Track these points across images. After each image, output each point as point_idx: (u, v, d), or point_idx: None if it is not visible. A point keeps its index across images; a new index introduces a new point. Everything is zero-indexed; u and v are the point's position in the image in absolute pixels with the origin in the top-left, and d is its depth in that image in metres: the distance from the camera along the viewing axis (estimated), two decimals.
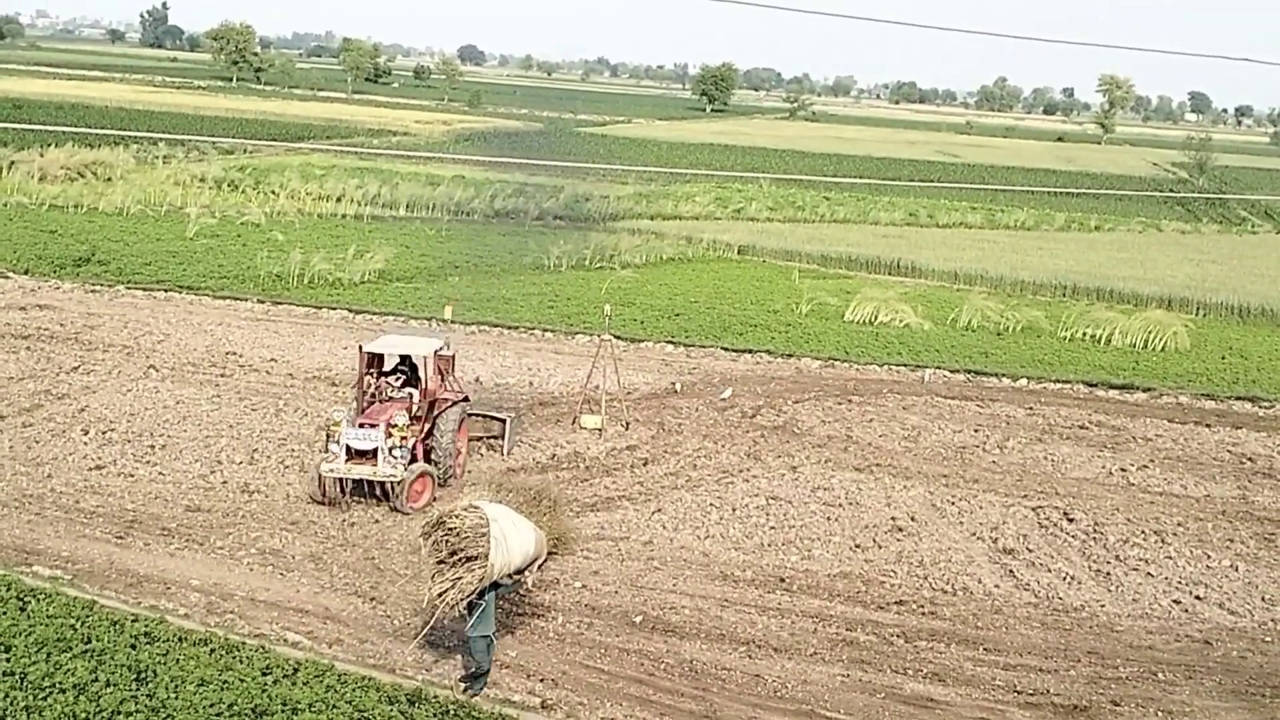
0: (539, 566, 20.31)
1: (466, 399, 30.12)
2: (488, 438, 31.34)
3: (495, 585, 19.17)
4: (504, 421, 31.12)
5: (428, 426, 28.37)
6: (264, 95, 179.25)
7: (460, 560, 18.74)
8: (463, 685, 19.06)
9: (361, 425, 26.83)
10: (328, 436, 27.11)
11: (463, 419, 29.06)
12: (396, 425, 26.82)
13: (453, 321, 32.54)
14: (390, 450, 26.69)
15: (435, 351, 28.99)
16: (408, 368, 29.28)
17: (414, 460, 27.41)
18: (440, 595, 18.72)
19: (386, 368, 29.24)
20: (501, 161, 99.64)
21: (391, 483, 26.80)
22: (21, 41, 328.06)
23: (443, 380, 29.49)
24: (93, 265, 50.28)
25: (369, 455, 26.70)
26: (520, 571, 19.66)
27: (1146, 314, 52.26)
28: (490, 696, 18.77)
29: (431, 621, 19.34)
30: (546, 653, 20.99)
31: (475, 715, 17.73)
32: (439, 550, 18.92)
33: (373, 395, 28.45)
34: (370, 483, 27.15)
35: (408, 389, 28.71)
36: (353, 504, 26.90)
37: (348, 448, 26.68)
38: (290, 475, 28.47)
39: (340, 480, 26.81)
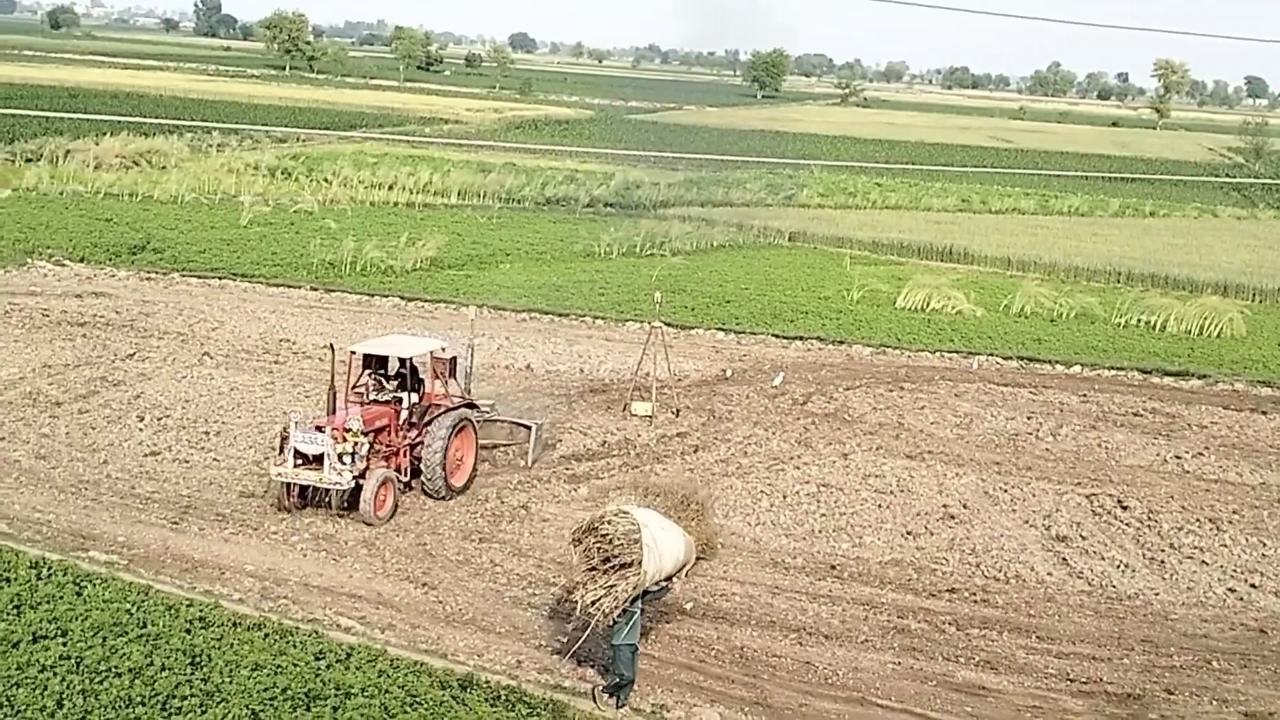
0: (686, 573, 19.76)
1: (472, 405, 28.45)
2: (511, 445, 29.61)
3: (645, 592, 18.63)
4: (529, 429, 29.43)
5: (416, 434, 26.84)
6: (316, 84, 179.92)
7: (614, 567, 18.16)
8: (606, 695, 18.53)
9: (317, 429, 25.18)
10: (281, 439, 25.65)
11: (462, 426, 27.16)
12: (350, 430, 25.08)
13: (476, 321, 31.20)
14: (339, 456, 24.84)
15: (430, 354, 27.59)
16: (408, 370, 27.42)
17: (367, 469, 25.39)
18: (594, 603, 18.11)
19: (391, 370, 27.64)
20: (553, 149, 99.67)
21: (337, 490, 25.13)
22: (77, 31, 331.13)
23: (443, 385, 27.88)
24: (148, 253, 50.71)
25: (319, 460, 25.02)
26: (669, 578, 19.09)
27: (1202, 300, 51.81)
28: (542, 683, 18.83)
29: (588, 633, 18.84)
30: (597, 640, 21.02)
31: (527, 701, 17.78)
32: (590, 557, 18.34)
33: (359, 398, 26.83)
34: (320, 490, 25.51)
35: (401, 393, 27.07)
36: (299, 511, 25.48)
37: (296, 451, 25.11)
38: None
39: (288, 485, 25.34)
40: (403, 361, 27.30)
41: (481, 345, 39.14)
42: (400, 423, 26.70)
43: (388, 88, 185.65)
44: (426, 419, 26.98)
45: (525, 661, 19.87)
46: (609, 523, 18.37)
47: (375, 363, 27.53)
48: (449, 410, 27.21)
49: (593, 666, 19.95)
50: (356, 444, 25.03)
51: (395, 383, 27.28)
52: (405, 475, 26.62)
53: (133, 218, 58.78)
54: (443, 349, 28.00)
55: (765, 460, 30.52)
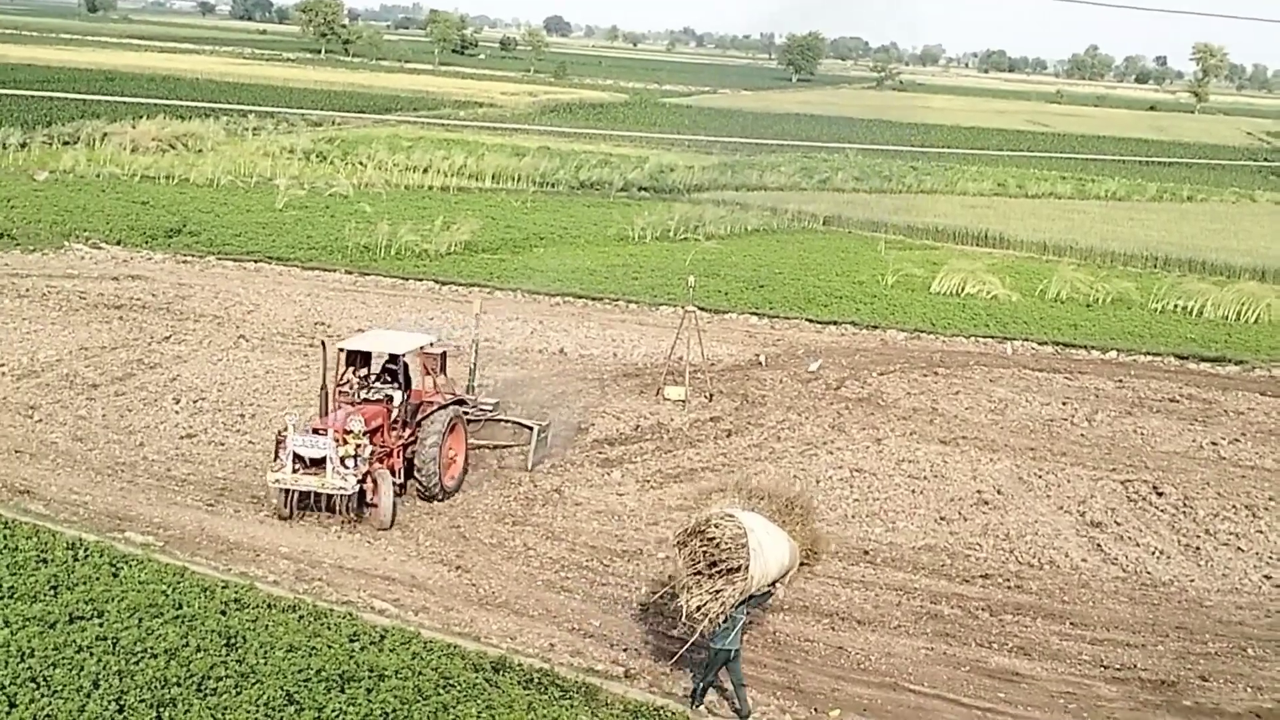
0: (790, 578, 19.17)
1: (462, 402, 27.59)
2: (514, 446, 28.51)
3: (749, 597, 18.16)
4: (531, 430, 28.21)
5: (409, 433, 25.76)
6: (352, 67, 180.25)
7: (720, 572, 17.66)
8: (694, 700, 18.30)
9: (314, 431, 24.16)
10: (277, 444, 24.48)
11: (455, 424, 26.27)
12: (351, 432, 24.12)
13: (481, 314, 30.00)
14: (342, 460, 23.85)
15: (420, 349, 26.58)
16: (398, 367, 26.40)
17: (366, 471, 24.34)
18: (700, 609, 17.61)
19: (375, 368, 26.75)
20: (587, 133, 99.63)
21: (341, 496, 24.17)
22: (114, 14, 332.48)
23: (433, 382, 26.83)
24: (184, 236, 50.93)
25: (320, 465, 23.93)
26: (773, 583, 18.53)
27: (1239, 286, 51.51)
28: (574, 665, 18.88)
29: (693, 639, 18.32)
30: (630, 623, 21.07)
31: (560, 684, 17.84)
32: (695, 560, 17.82)
33: (347, 397, 25.76)
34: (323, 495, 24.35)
35: (388, 391, 26.04)
36: (302, 518, 24.49)
37: (295, 456, 23.99)
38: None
39: (287, 492, 24.26)
40: (394, 358, 26.46)
41: (514, 329, 39.33)
42: (392, 421, 25.67)
43: (423, 71, 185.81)
44: (417, 418, 25.93)
45: (558, 644, 19.92)
46: (715, 526, 17.80)
47: (361, 359, 26.67)
48: (441, 408, 26.10)
49: (625, 650, 20.00)
50: (359, 446, 24.12)
51: (385, 380, 26.46)
52: (399, 476, 25.39)
53: (169, 201, 59.03)
54: (431, 344, 27.51)
55: (799, 445, 30.48)
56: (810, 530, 19.94)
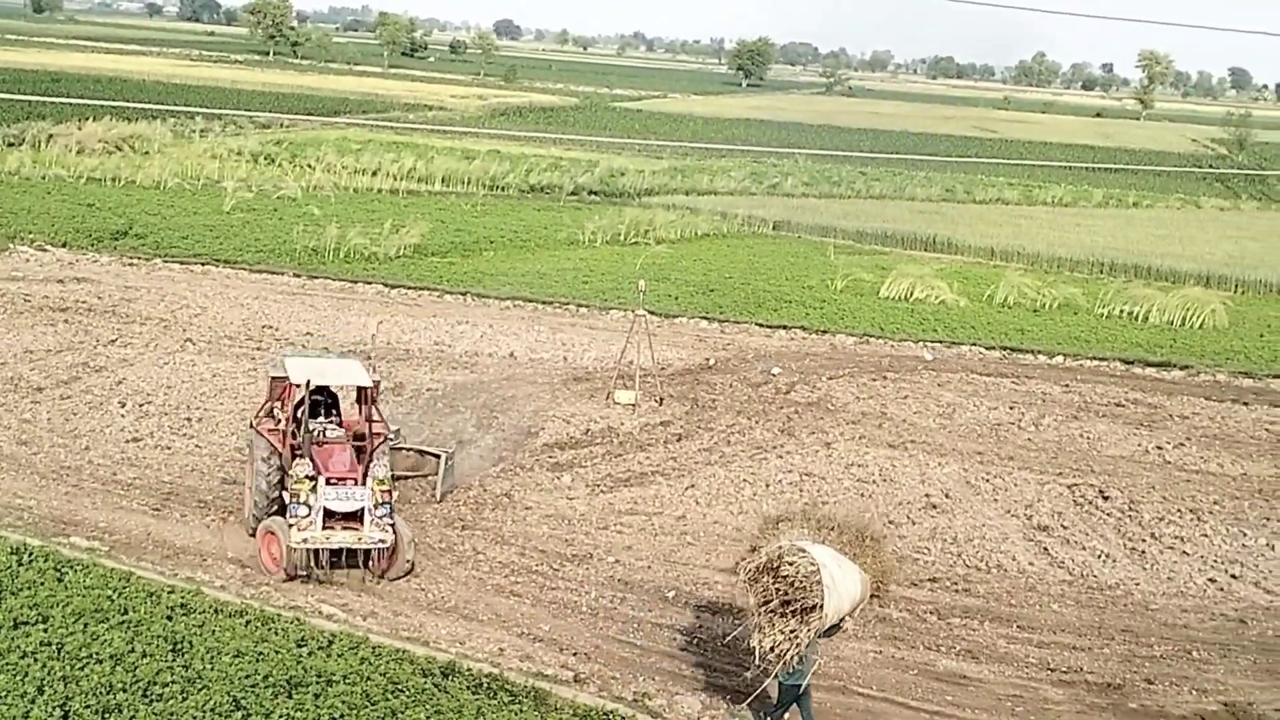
0: (859, 612, 18.22)
1: (398, 433, 26.41)
2: (417, 477, 26.86)
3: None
4: (439, 458, 26.52)
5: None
6: (300, 70, 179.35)
7: (794, 611, 17.02)
8: None
9: (340, 481, 22.19)
10: (290, 496, 22.21)
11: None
12: (380, 479, 22.40)
13: (376, 335, 28.15)
14: (374, 509, 22.13)
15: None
16: (324, 398, 24.29)
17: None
18: (773, 649, 17.05)
19: (345, 403, 24.85)
20: (537, 136, 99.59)
21: (379, 550, 22.20)
22: (60, 15, 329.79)
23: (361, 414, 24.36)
24: (130, 238, 50.50)
25: (350, 518, 22.07)
26: (842, 617, 17.77)
27: (1184, 291, 51.96)
28: (523, 670, 18.83)
29: (767, 682, 17.79)
30: (580, 627, 21.05)
31: (509, 689, 17.79)
32: (767, 598, 17.19)
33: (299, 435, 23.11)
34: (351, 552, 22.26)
35: (325, 424, 23.87)
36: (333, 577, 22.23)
37: (326, 511, 21.99)
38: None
39: (315, 552, 21.96)
40: (362, 391, 23.99)
41: (464, 333, 39.25)
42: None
43: (372, 74, 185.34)
44: (368, 455, 23.30)
45: (507, 649, 19.87)
46: (789, 563, 17.10)
47: (327, 394, 24.47)
48: (384, 440, 23.72)
49: (575, 654, 19.98)
50: (385, 493, 22.36)
51: (325, 415, 24.38)
52: None
53: (115, 203, 58.55)
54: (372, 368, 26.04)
55: (748, 449, 30.54)
56: (880, 562, 18.81)
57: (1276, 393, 39.46)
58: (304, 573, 21.82)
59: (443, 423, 30.56)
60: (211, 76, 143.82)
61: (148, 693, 16.48)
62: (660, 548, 24.60)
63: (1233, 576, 24.96)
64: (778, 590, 17.10)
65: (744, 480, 28.27)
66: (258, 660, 17.60)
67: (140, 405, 30.65)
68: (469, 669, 18.32)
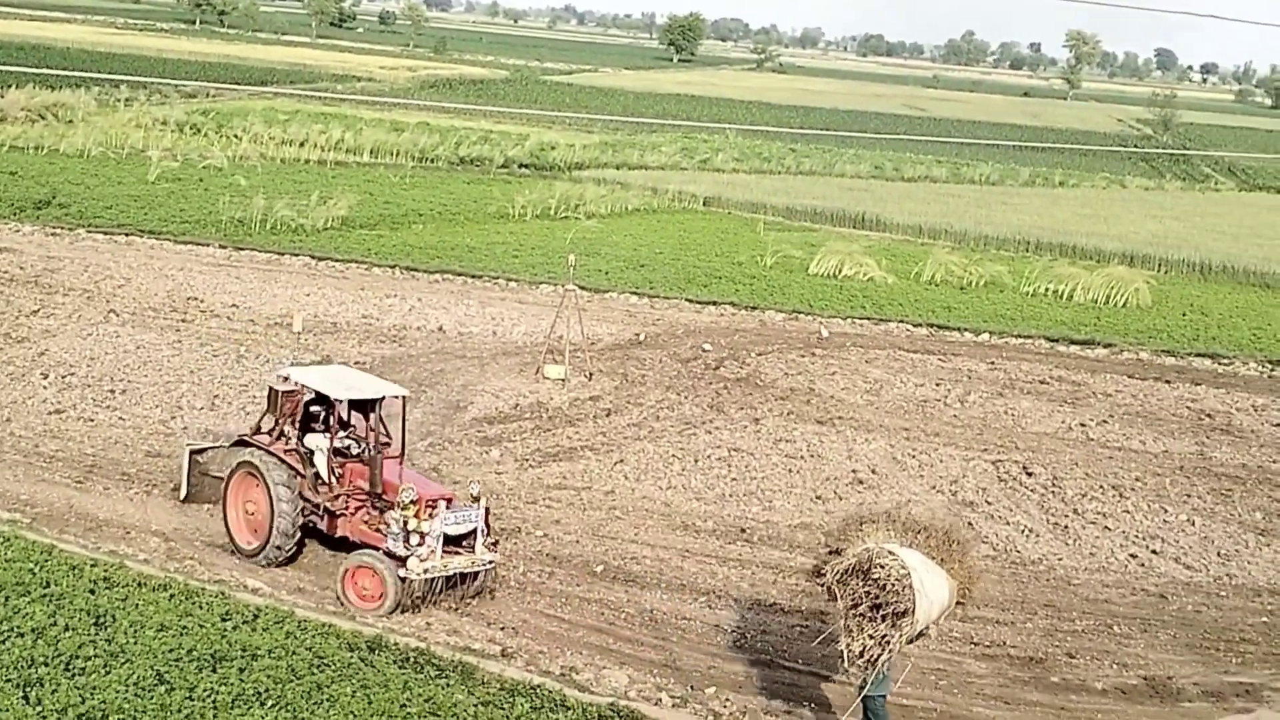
0: (945, 618, 17.66)
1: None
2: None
3: None
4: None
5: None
6: (227, 39, 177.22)
7: (884, 616, 16.47)
8: None
9: (445, 503, 20.73)
10: (399, 526, 20.31)
11: None
12: (476, 498, 21.09)
13: (302, 334, 27.11)
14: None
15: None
16: (322, 410, 22.45)
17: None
18: (863, 654, 16.53)
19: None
20: (467, 109, 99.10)
21: (487, 571, 21.04)
22: None
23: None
24: (53, 208, 49.74)
25: (459, 541, 20.72)
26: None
27: (1109, 270, 52.50)
28: (450, 644, 18.79)
29: (863, 693, 17.11)
30: (507, 601, 21.04)
31: (436, 664, 17.73)
32: (856, 602, 16.59)
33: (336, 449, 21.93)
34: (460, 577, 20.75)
35: (346, 439, 22.32)
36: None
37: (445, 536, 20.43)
38: (249, 421, 28.29)
39: (430, 581, 20.33)
40: (324, 399, 22.34)
41: (392, 306, 39.06)
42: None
43: (300, 44, 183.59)
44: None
45: (434, 624, 19.82)
46: (879, 566, 16.46)
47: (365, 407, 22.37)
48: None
49: (502, 629, 19.96)
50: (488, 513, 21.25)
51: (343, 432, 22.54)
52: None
53: (38, 172, 57.67)
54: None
55: (677, 424, 30.60)
56: (966, 568, 18.15)
57: (1198, 371, 40.02)
58: (417, 604, 20.29)
59: None
60: (137, 44, 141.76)
61: (70, 666, 16.28)
62: (589, 522, 24.62)
63: (1153, 552, 25.31)
64: (868, 593, 16.52)
65: (673, 456, 28.32)
66: (182, 634, 17.44)
67: (63, 377, 30.26)
68: (395, 643, 18.25)
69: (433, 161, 75.78)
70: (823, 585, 17.23)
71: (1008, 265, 53.56)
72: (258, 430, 22.94)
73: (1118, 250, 59.82)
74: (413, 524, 20.19)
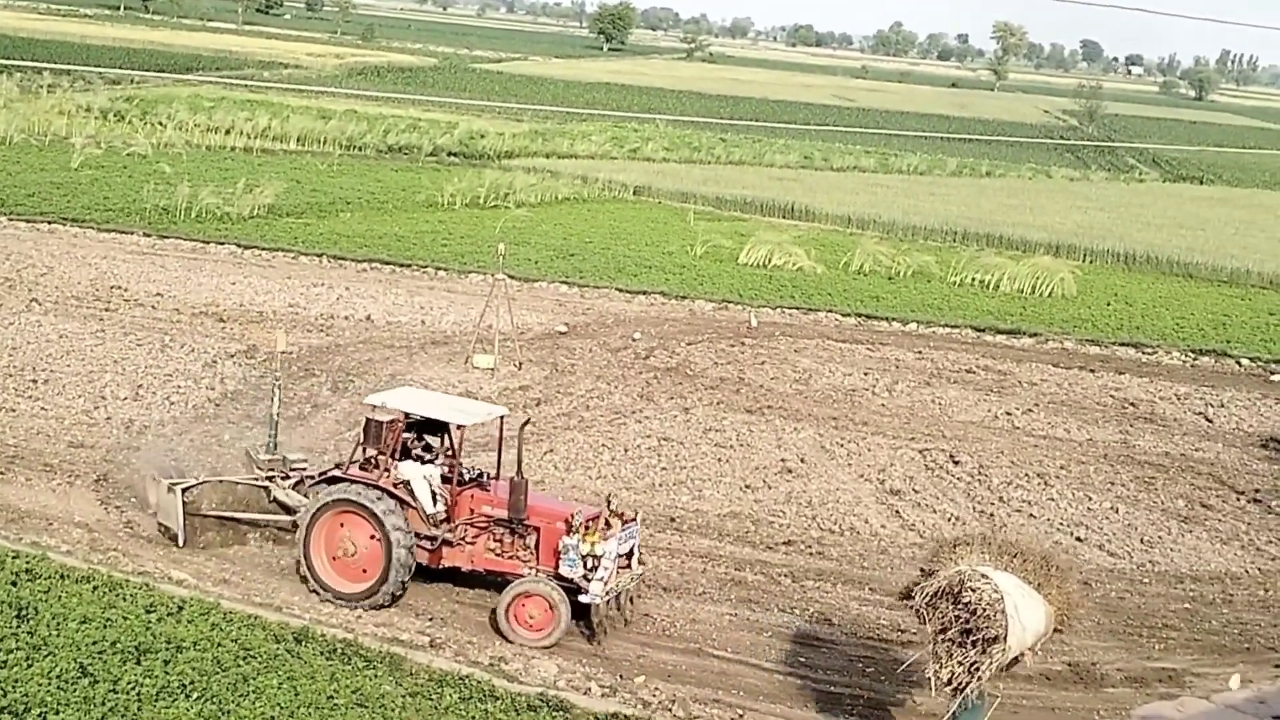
0: (1040, 646, 16.85)
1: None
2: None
3: None
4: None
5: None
6: (152, 24, 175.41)
7: (975, 641, 15.84)
8: None
9: (600, 521, 20.24)
10: (575, 550, 19.75)
11: None
12: (620, 515, 20.68)
13: (286, 353, 26.33)
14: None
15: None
16: (411, 436, 21.48)
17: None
18: (950, 681, 16.00)
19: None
20: (395, 97, 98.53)
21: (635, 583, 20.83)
22: None
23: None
24: None
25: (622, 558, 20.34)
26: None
27: (1034, 260, 52.98)
28: (378, 635, 18.70)
29: (949, 717, 16.59)
30: (436, 592, 20.95)
31: (363, 654, 17.64)
32: (946, 625, 16.06)
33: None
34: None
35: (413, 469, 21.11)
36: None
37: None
38: (175, 411, 28.06)
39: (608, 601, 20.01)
40: (433, 425, 21.67)
41: (320, 295, 38.80)
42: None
43: (226, 30, 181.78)
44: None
45: (362, 615, 19.70)
46: (971, 590, 15.87)
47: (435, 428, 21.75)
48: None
49: (431, 620, 19.88)
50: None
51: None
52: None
53: None
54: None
55: (607, 414, 30.60)
56: (1065, 594, 17.14)
57: (1122, 360, 40.47)
58: (604, 628, 19.88)
59: (297, 387, 30.17)
60: (60, 30, 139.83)
61: None
62: None
63: (1078, 539, 25.59)
64: (958, 618, 15.97)
65: (603, 445, 28.33)
66: (105, 626, 17.25)
67: None
68: (323, 634, 18.14)
69: (360, 149, 75.33)
70: (911, 608, 16.75)
71: (935, 255, 53.89)
72: (347, 464, 21.41)
73: (1043, 240, 60.37)
74: (585, 547, 19.68)
